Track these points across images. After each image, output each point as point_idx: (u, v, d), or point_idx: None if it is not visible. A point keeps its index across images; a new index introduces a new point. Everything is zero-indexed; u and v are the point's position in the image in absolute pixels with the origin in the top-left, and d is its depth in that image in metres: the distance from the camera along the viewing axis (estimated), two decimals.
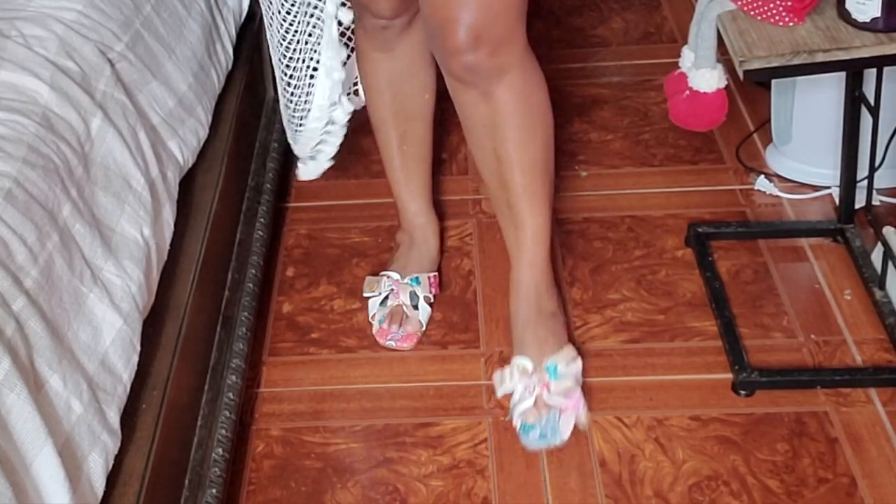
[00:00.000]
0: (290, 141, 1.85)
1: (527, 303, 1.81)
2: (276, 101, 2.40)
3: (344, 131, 1.76)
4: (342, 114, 1.73)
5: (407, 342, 1.97)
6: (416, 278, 2.02)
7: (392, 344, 1.96)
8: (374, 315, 2.00)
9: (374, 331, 1.99)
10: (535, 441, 1.75)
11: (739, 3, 1.73)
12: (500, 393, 1.80)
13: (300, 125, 1.77)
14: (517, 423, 1.77)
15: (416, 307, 1.99)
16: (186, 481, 1.55)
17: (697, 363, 1.91)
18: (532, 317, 1.80)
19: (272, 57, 1.77)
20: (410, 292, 2.00)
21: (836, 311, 1.99)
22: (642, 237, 2.19)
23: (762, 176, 2.31)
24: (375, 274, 2.06)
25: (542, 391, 1.76)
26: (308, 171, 1.86)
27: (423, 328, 1.99)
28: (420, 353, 1.97)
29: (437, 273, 2.07)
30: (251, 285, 1.96)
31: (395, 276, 2.02)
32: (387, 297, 2.00)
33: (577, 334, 1.98)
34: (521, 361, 1.78)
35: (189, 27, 1.95)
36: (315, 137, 1.77)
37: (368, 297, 2.02)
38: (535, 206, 1.76)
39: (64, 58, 1.56)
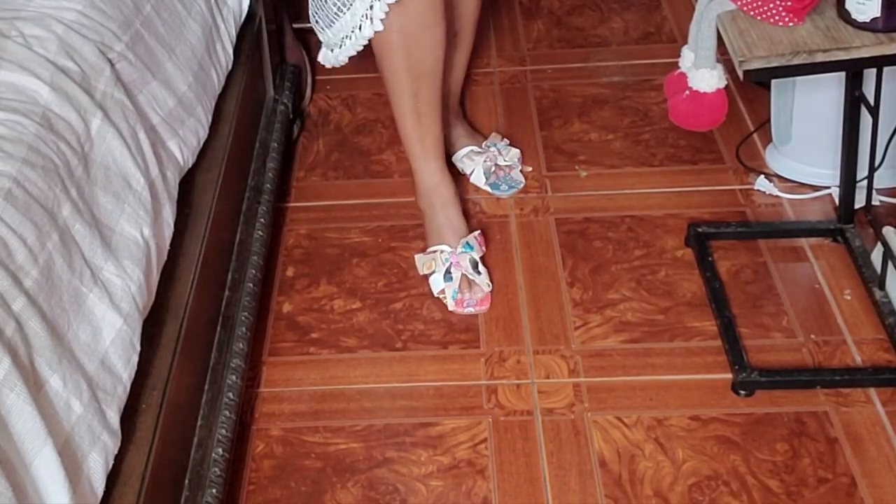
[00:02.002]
0: (324, 27, 2.03)
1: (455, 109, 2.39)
2: (276, 100, 2.42)
3: (374, 30, 1.98)
4: (379, 10, 1.95)
5: (484, 305, 2.04)
6: (468, 244, 2.08)
7: (471, 310, 2.04)
8: (444, 290, 2.05)
9: (450, 305, 2.05)
10: (507, 191, 2.32)
11: (739, 3, 1.73)
12: (466, 171, 2.35)
13: (344, 8, 1.97)
14: (487, 187, 2.32)
15: (478, 272, 2.06)
16: (186, 481, 1.56)
17: (697, 363, 1.91)
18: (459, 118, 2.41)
19: None
20: (469, 259, 2.06)
21: (836, 311, 1.99)
22: (642, 237, 2.20)
23: (762, 176, 2.31)
24: (422, 251, 2.12)
25: (497, 158, 2.35)
26: (330, 57, 2.07)
27: (491, 287, 2.06)
28: (420, 353, 1.97)
29: (479, 231, 2.13)
30: (251, 285, 1.96)
31: (447, 248, 2.08)
32: (449, 271, 2.05)
33: (576, 334, 1.98)
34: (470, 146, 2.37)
35: (189, 27, 1.95)
36: (354, 22, 1.97)
37: (429, 275, 2.07)
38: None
39: (64, 58, 1.56)
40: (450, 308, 2.04)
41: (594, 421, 1.81)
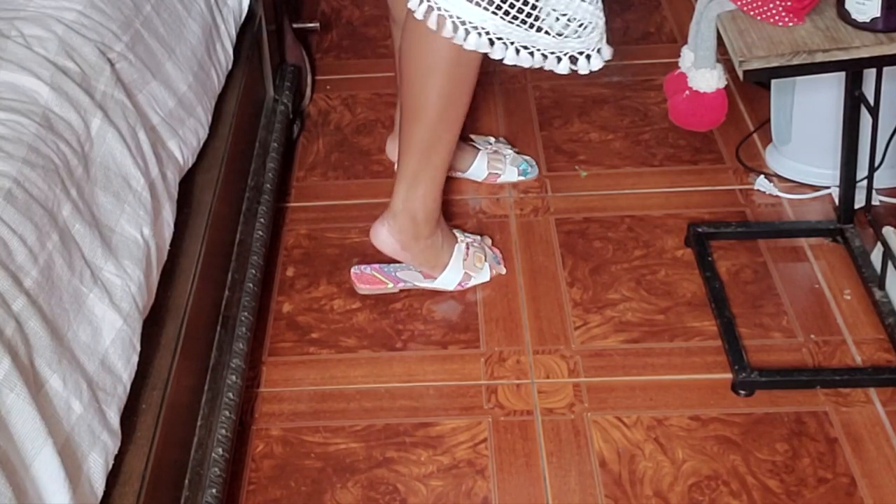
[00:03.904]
0: (594, 41, 1.87)
1: None
2: (276, 100, 2.42)
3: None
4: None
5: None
6: (457, 229, 2.18)
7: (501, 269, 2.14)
8: (490, 267, 2.11)
9: (502, 270, 2.13)
10: (531, 172, 2.37)
11: (739, 3, 1.73)
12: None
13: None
14: (514, 169, 2.35)
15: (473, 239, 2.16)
16: (186, 481, 1.56)
17: (697, 363, 1.91)
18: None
19: None
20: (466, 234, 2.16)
21: (836, 311, 1.99)
22: (642, 237, 2.20)
23: (762, 176, 2.31)
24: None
25: (500, 149, 2.37)
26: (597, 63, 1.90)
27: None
28: (420, 353, 1.97)
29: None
30: (251, 285, 1.96)
31: (462, 242, 2.11)
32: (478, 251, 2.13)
33: (576, 334, 1.98)
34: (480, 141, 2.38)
35: (189, 27, 1.95)
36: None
37: (482, 269, 2.11)
38: None
39: (64, 58, 1.56)
40: (504, 272, 2.12)
41: (594, 421, 1.81)
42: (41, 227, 1.31)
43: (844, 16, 1.67)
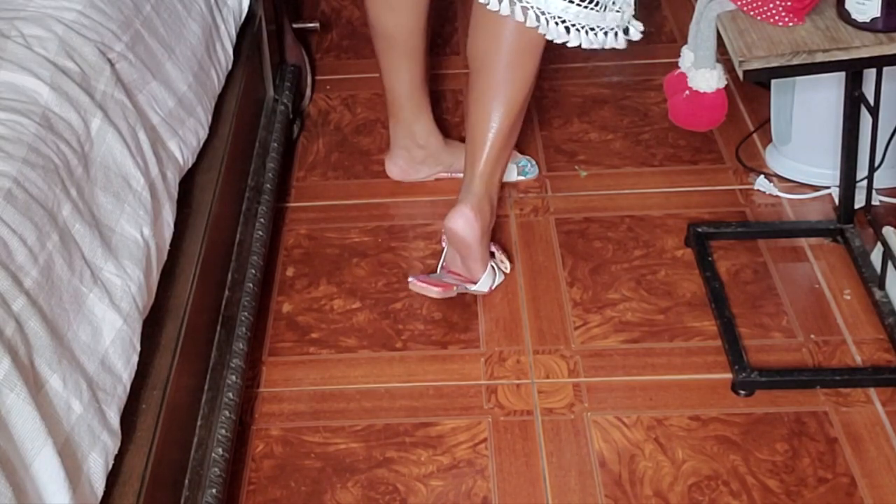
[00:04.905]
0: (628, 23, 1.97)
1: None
2: (276, 100, 2.42)
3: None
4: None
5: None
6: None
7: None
8: (494, 283, 2.08)
9: (509, 268, 2.12)
10: (532, 171, 2.37)
11: (739, 3, 1.73)
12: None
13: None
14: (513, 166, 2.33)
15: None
16: (186, 481, 1.56)
17: (697, 363, 1.91)
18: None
19: None
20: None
21: (836, 311, 1.99)
22: (642, 237, 2.20)
23: (762, 176, 2.31)
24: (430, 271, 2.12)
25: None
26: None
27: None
28: (420, 353, 1.97)
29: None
30: (251, 285, 1.96)
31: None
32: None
33: (576, 334, 1.98)
34: None
35: (189, 27, 1.95)
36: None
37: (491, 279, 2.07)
38: None
39: (64, 58, 1.56)
40: (508, 270, 2.11)
41: (594, 421, 1.81)
42: (41, 227, 1.31)
43: (844, 16, 1.67)
